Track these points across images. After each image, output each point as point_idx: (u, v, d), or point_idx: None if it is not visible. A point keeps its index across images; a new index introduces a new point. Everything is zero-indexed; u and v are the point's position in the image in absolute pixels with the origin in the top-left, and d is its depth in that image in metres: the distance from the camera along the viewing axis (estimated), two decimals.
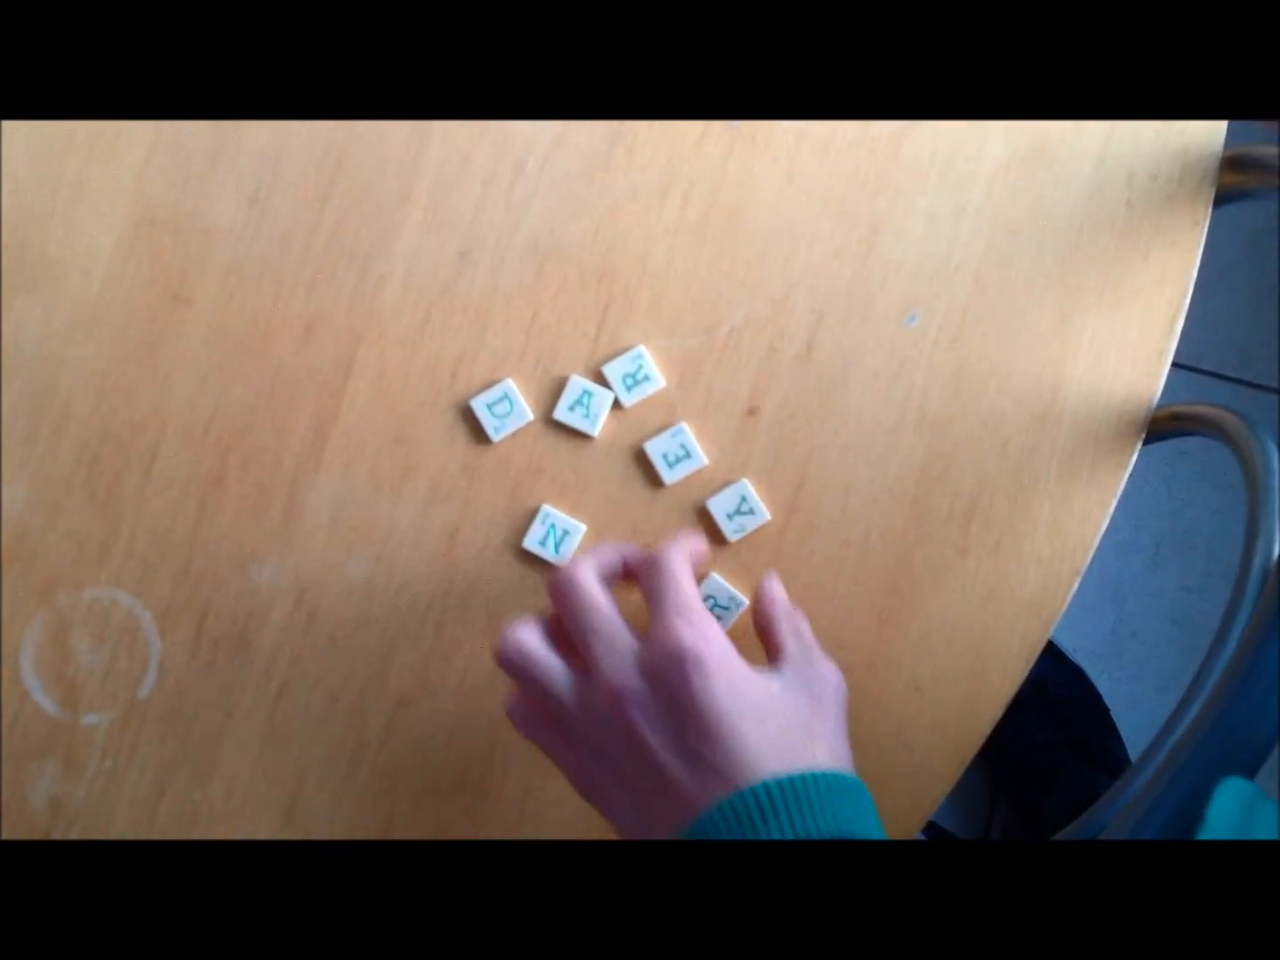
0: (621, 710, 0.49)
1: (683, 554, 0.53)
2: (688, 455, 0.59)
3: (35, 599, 0.61)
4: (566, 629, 0.52)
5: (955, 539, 0.58)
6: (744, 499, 0.58)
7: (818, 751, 0.49)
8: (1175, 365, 0.58)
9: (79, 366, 0.61)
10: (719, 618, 0.58)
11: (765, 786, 0.45)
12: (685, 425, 0.59)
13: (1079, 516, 0.58)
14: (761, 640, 0.55)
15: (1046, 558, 0.58)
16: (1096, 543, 0.58)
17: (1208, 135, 0.58)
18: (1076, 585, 0.58)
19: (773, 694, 0.50)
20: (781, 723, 0.49)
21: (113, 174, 0.61)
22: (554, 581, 0.53)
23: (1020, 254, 0.59)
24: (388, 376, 0.60)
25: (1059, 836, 0.55)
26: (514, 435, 0.60)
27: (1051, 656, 1.28)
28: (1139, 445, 0.58)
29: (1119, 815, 0.44)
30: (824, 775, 0.46)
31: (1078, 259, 0.58)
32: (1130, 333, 0.58)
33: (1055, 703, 1.25)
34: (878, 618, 0.58)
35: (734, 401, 0.59)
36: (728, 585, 0.58)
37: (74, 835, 0.61)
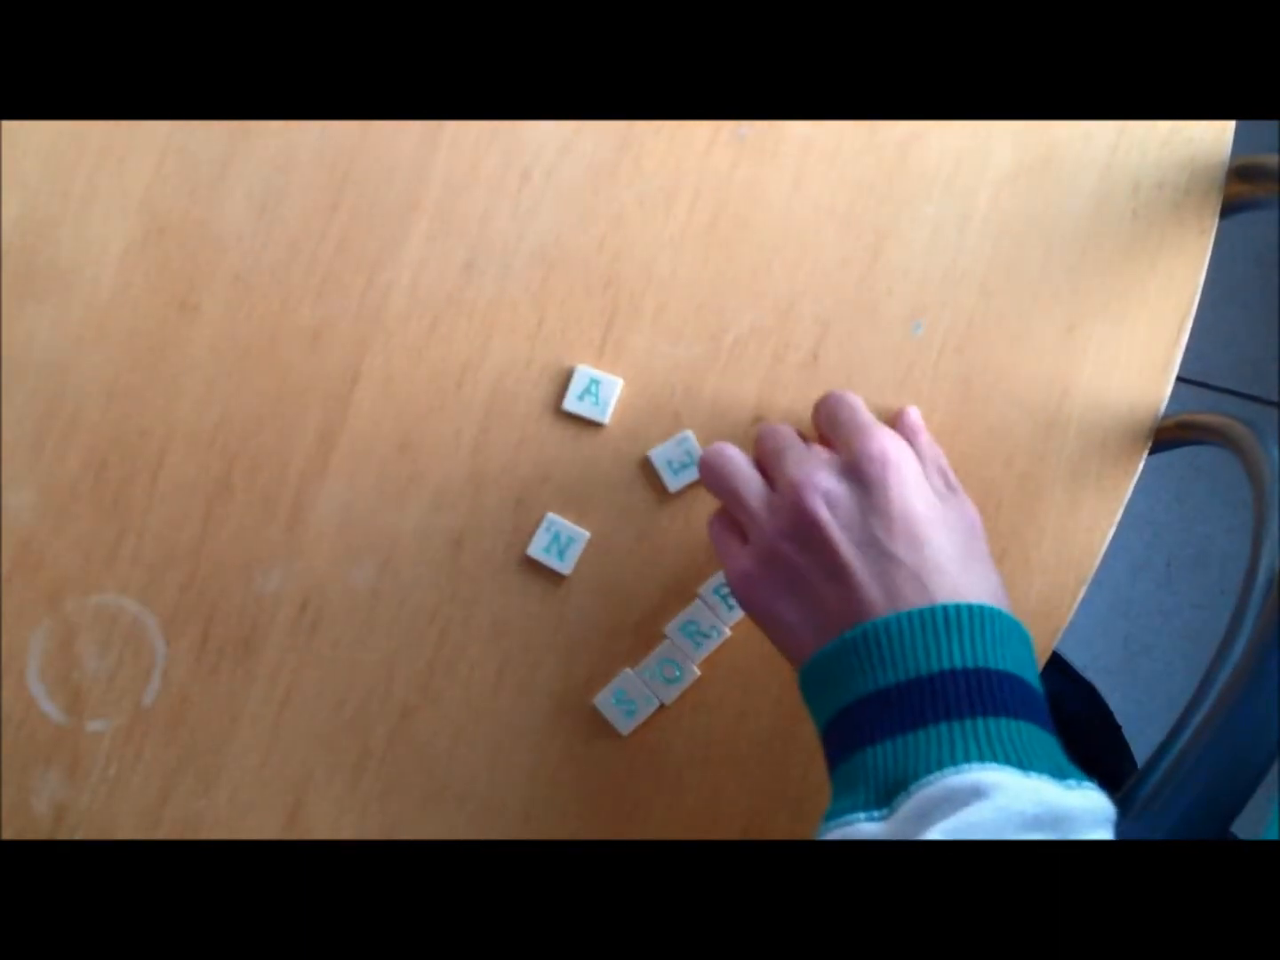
0: (805, 501, 0.50)
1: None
2: (693, 463, 0.59)
3: (42, 605, 0.61)
4: (763, 462, 0.54)
5: None
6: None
7: (989, 585, 0.49)
8: (1186, 380, 0.58)
9: (87, 374, 0.61)
10: (697, 645, 0.59)
11: (957, 608, 0.46)
12: (690, 433, 0.59)
13: (1085, 525, 0.57)
14: None
15: (1052, 566, 0.57)
16: (1103, 551, 0.57)
17: (1214, 144, 0.58)
18: (1082, 594, 0.57)
19: (949, 517, 0.51)
20: (960, 546, 0.50)
21: (123, 182, 0.61)
22: (759, 430, 0.55)
23: (1026, 263, 0.58)
24: (394, 384, 0.60)
25: None
26: (519, 443, 0.60)
27: (1064, 674, 1.28)
28: (1146, 454, 0.58)
29: (1123, 824, 0.43)
30: (1007, 616, 0.48)
31: (1084, 268, 0.58)
32: (1137, 341, 0.58)
33: (1068, 720, 1.24)
34: None
35: (739, 410, 0.59)
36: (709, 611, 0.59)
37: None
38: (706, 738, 0.59)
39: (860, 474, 0.50)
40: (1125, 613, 1.31)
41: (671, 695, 0.59)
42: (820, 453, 0.52)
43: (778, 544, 0.50)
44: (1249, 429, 0.54)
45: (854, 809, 0.45)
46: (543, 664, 0.60)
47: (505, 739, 0.60)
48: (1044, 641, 0.57)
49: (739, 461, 0.53)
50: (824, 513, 0.49)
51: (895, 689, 0.46)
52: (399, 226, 0.61)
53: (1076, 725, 1.34)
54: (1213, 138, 0.58)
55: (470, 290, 0.60)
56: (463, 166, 0.60)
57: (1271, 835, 0.43)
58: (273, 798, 0.60)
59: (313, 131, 0.61)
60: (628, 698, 0.59)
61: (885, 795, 0.44)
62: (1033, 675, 0.48)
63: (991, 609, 0.47)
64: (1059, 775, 0.43)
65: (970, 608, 0.47)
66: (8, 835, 0.61)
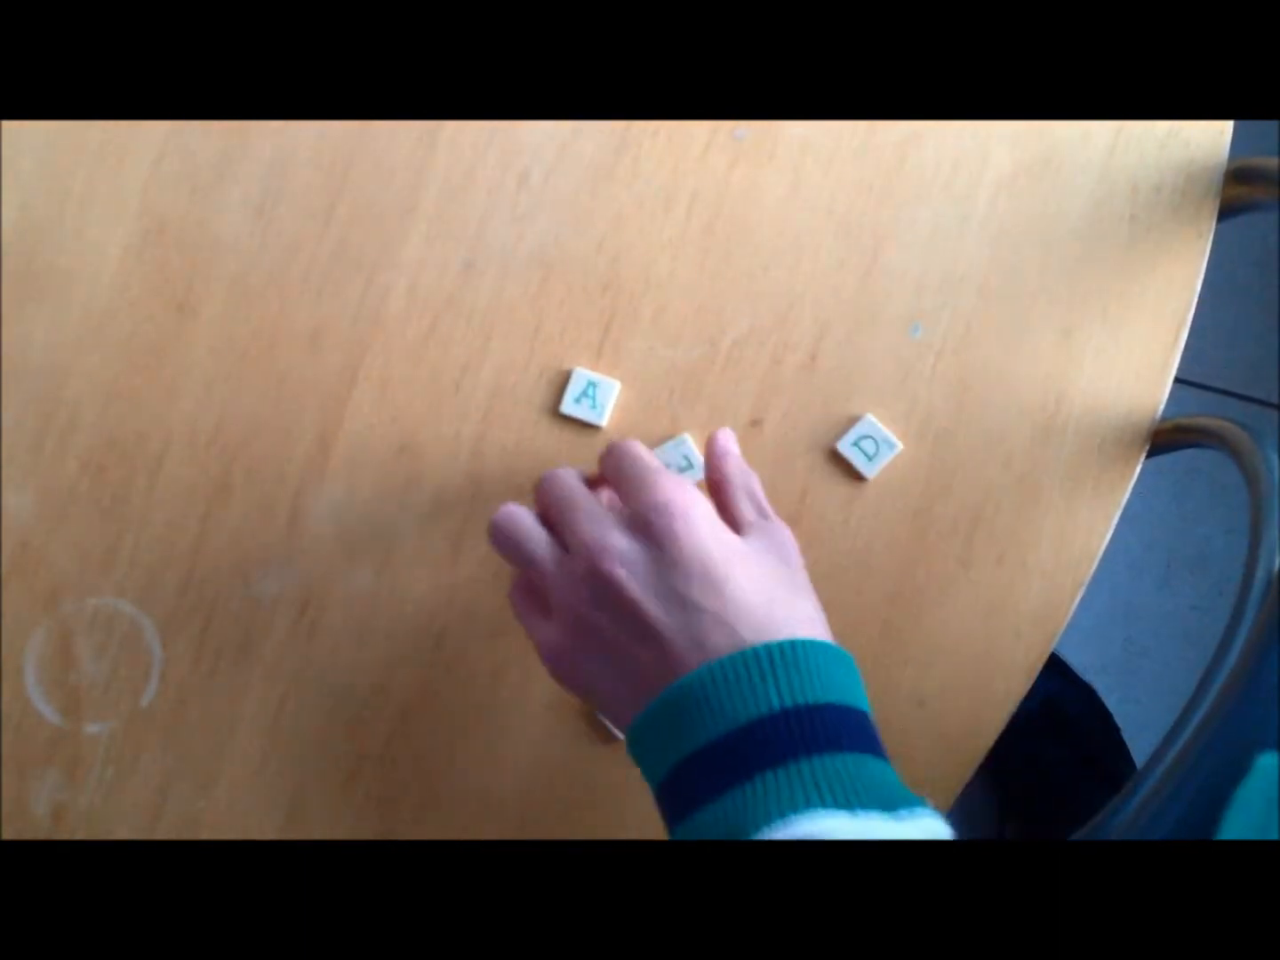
0: (602, 566, 0.48)
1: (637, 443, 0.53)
2: (690, 466, 0.59)
3: (39, 607, 0.61)
4: (550, 516, 0.52)
5: (958, 551, 0.58)
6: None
7: (800, 614, 0.48)
8: (1186, 382, 0.58)
9: (85, 376, 0.61)
10: None
11: (768, 648, 0.45)
12: (688, 436, 0.59)
13: (1083, 528, 0.57)
14: (714, 502, 0.53)
15: (1050, 569, 0.57)
16: (1100, 554, 0.57)
17: (1211, 146, 0.58)
18: (1080, 597, 0.57)
19: (751, 551, 0.49)
20: (766, 578, 0.48)
21: (120, 184, 0.61)
22: (541, 478, 0.53)
23: (1024, 265, 0.58)
24: (392, 386, 0.60)
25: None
26: (517, 445, 0.60)
27: (1063, 675, 1.28)
28: (1143, 457, 0.58)
29: (1123, 823, 0.44)
30: (821, 644, 0.47)
31: (1082, 271, 0.58)
32: (1135, 344, 0.58)
33: (1067, 720, 1.24)
34: (880, 630, 0.58)
35: (737, 413, 0.59)
36: None
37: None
38: None
39: (649, 527, 0.48)
40: (1124, 614, 1.31)
41: None
42: (606, 501, 0.51)
43: (581, 612, 0.49)
44: (1245, 432, 0.55)
45: None
46: (541, 666, 0.59)
47: (503, 741, 0.60)
48: (1043, 643, 0.57)
49: (528, 525, 0.52)
50: (621, 573, 0.48)
51: (719, 742, 0.44)
52: (397, 228, 0.61)
53: (1076, 726, 1.35)
54: (1210, 140, 0.58)
55: (469, 292, 0.60)
56: (460, 168, 0.60)
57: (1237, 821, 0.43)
58: (270, 800, 0.60)
59: (311, 132, 0.61)
60: None
61: None
62: (856, 697, 0.47)
63: (803, 642, 0.46)
64: (888, 806, 0.42)
65: (781, 646, 0.45)
66: (6, 836, 0.60)
